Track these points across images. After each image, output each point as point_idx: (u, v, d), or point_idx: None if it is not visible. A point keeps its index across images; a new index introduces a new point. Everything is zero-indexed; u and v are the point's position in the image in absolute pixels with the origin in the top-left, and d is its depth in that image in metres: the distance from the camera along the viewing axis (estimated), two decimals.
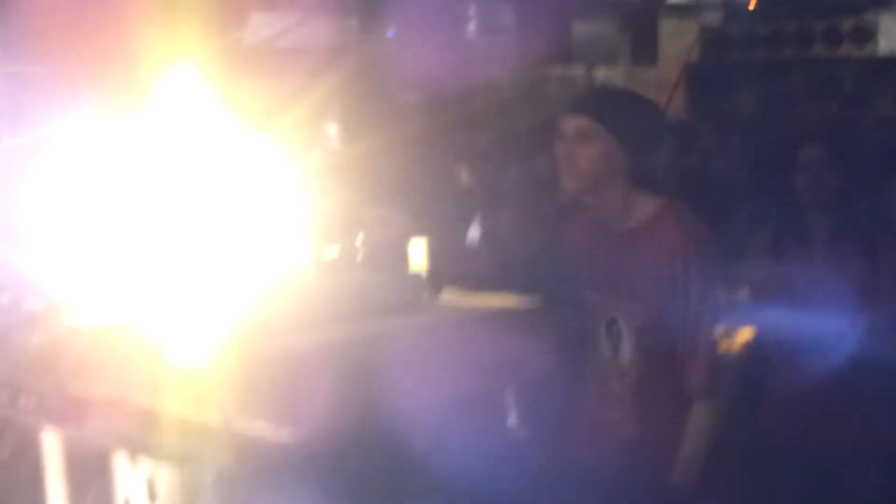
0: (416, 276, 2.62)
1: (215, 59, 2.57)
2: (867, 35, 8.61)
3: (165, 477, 2.78)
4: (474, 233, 3.97)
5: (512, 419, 2.90)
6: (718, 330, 2.97)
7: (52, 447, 2.82)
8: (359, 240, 2.64)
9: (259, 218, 2.60)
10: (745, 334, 3.65)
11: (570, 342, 2.96)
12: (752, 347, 3.63)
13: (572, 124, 2.86)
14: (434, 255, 2.75)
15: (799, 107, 8.56)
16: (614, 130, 2.85)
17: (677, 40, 8.90)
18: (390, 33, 5.80)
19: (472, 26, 7.85)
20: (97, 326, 2.60)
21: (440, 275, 2.72)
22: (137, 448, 2.59)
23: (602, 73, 8.95)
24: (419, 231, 2.77)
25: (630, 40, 9.05)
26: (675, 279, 2.84)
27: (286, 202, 2.57)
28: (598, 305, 2.99)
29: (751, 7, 8.98)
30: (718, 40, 9.00)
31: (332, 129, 2.87)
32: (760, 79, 8.71)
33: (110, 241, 2.60)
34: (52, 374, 2.69)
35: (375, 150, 3.11)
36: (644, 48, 9.01)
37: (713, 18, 9.39)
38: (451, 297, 2.71)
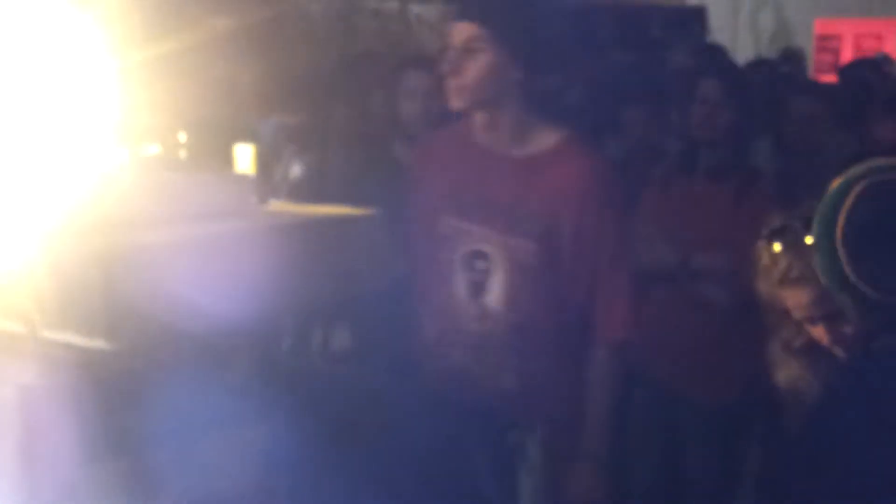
0: (244, 179, 2.46)
1: None
2: None
3: None
4: (297, 170, 3.77)
5: (343, 336, 2.76)
6: None
7: None
8: (182, 138, 2.45)
9: (70, 114, 2.37)
10: None
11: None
12: None
13: (459, 32, 2.61)
14: (262, 162, 2.59)
15: (605, 52, 8.70)
16: (506, 41, 2.58)
17: None
18: None
19: None
20: None
21: (268, 183, 2.57)
22: None
23: (416, 10, 8.83)
24: (247, 136, 2.59)
25: None
26: (585, 216, 2.60)
27: (100, 98, 2.35)
28: (459, 234, 2.68)
29: None
30: None
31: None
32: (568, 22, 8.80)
33: None
34: None
35: (198, 51, 2.91)
36: None
37: None
38: (280, 204, 2.55)
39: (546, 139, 2.67)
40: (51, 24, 2.39)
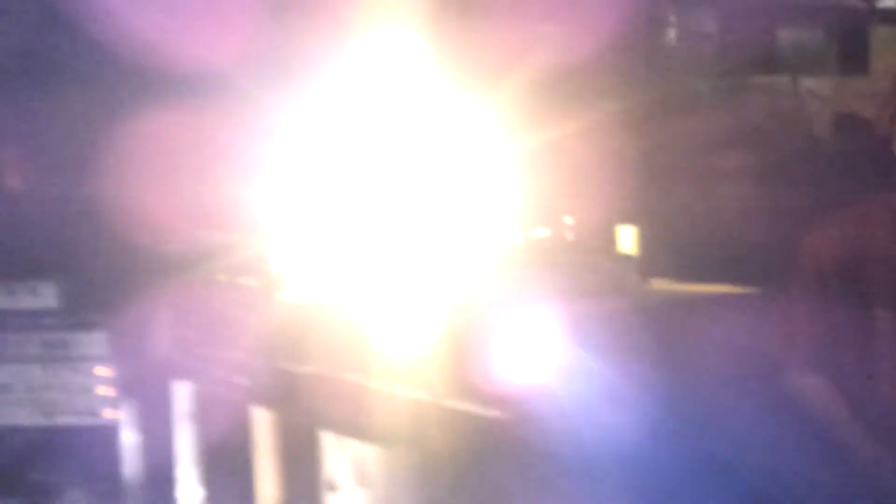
0: (627, 260, 2.56)
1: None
2: None
3: (373, 458, 2.80)
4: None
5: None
6: None
7: (262, 425, 2.89)
8: (569, 221, 2.61)
9: (471, 198, 2.59)
10: None
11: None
12: None
13: None
14: (644, 241, 2.68)
15: None
16: None
17: (891, 49, 8.48)
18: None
19: (672, 32, 7.69)
20: (311, 303, 2.64)
21: (650, 261, 2.65)
22: (346, 427, 2.62)
23: (809, 84, 8.60)
24: (628, 217, 2.70)
25: (839, 49, 8.67)
26: None
27: (498, 182, 2.55)
28: None
29: None
30: None
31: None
32: None
33: (324, 219, 2.64)
34: (266, 352, 2.75)
35: (588, 133, 3.06)
36: (854, 57, 8.61)
37: None
38: (661, 283, 2.63)
39: None
40: (451, 116, 2.65)
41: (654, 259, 2.69)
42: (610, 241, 2.61)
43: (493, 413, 2.29)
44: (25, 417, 2.91)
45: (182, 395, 3.09)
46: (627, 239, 2.65)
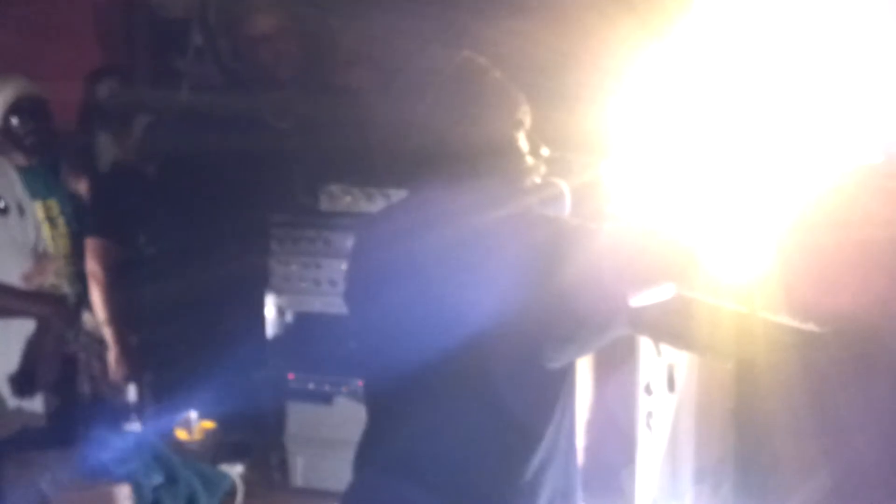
0: None
1: None
2: None
3: (684, 365, 2.96)
4: None
5: None
6: None
7: None
8: None
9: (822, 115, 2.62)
10: None
11: None
12: None
13: None
14: None
15: None
16: None
17: None
18: None
19: None
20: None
21: None
22: (663, 335, 2.77)
23: None
24: None
25: None
26: None
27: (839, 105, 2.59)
28: None
29: None
30: None
31: None
32: None
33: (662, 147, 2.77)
34: None
35: None
36: None
37: None
38: None
39: None
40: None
41: None
42: None
43: (809, 327, 2.39)
44: None
45: None
46: None
